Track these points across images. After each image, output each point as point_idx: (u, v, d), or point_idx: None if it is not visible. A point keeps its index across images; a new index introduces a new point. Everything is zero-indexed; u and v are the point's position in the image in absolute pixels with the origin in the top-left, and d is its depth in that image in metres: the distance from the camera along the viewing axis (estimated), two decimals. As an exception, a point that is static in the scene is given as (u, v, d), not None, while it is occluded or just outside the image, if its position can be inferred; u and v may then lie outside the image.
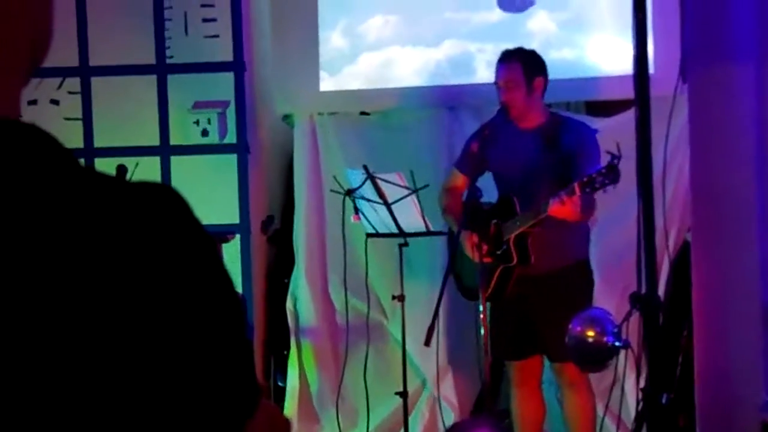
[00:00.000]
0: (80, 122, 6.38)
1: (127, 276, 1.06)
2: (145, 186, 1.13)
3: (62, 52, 6.26)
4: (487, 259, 5.00)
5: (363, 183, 5.54)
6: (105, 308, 1.04)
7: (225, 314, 1.14)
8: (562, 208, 4.73)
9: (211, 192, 6.22)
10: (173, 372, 1.07)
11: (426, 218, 5.52)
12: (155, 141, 6.38)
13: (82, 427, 1.04)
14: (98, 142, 6.38)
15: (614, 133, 5.19)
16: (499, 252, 5.10)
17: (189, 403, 1.09)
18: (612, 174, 4.62)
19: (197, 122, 6.41)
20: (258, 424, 1.19)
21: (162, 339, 1.07)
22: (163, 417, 1.07)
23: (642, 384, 4.16)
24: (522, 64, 5.17)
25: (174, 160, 6.37)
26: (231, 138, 6.40)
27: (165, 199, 1.13)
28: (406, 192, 5.45)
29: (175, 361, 1.07)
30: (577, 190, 4.67)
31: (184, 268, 1.10)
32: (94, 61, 6.38)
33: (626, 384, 5.27)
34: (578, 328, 4.15)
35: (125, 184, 1.13)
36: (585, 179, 4.67)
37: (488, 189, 5.20)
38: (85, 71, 6.39)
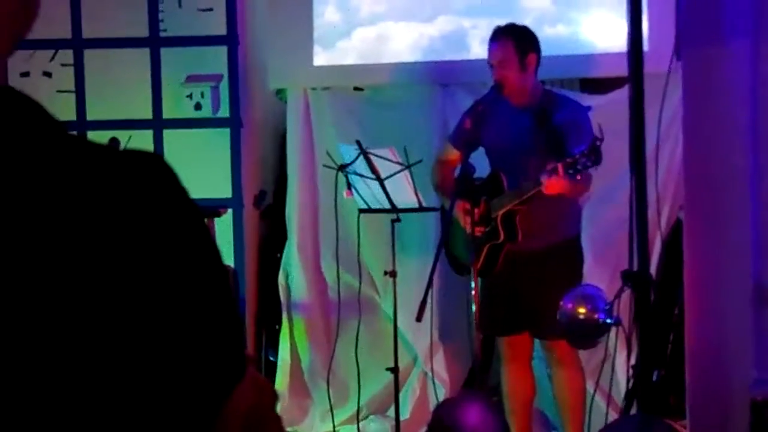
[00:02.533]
0: (73, 95, 6.37)
1: (114, 244, 1.05)
2: (133, 154, 1.13)
3: (55, 24, 6.24)
4: (478, 230, 5.00)
5: (356, 158, 5.53)
6: (91, 277, 1.04)
7: (211, 285, 1.13)
8: (553, 185, 4.73)
9: (203, 166, 6.22)
10: (158, 341, 1.07)
11: (419, 194, 5.51)
12: (148, 114, 6.37)
13: (69, 391, 1.04)
14: (91, 115, 6.37)
15: (608, 111, 5.20)
16: (487, 228, 5.10)
17: (174, 370, 1.09)
18: (594, 155, 4.63)
19: (190, 96, 6.40)
20: (244, 393, 1.19)
21: (148, 308, 1.06)
22: (147, 384, 1.07)
23: (633, 361, 4.17)
24: (514, 41, 5.15)
25: (167, 133, 6.37)
26: (224, 112, 6.39)
27: (153, 168, 1.13)
28: (398, 167, 5.44)
29: (160, 330, 1.07)
30: (560, 170, 4.67)
31: (171, 238, 1.09)
32: (87, 33, 6.36)
33: (617, 361, 5.27)
34: (570, 305, 4.16)
35: (114, 153, 1.12)
36: (569, 161, 4.67)
37: (481, 164, 5.19)
38: (78, 43, 6.37)
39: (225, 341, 1.15)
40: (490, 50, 5.20)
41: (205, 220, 5.78)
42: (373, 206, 5.71)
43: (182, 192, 1.14)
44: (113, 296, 1.05)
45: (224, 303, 1.15)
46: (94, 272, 1.04)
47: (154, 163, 1.13)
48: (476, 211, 5.00)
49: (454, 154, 5.37)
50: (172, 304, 1.08)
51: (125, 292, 1.05)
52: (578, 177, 4.72)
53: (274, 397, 1.34)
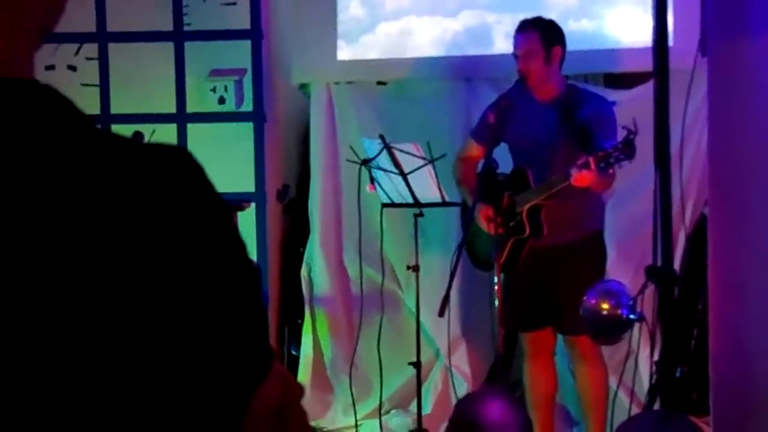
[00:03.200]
0: (97, 88, 6.39)
1: (141, 239, 1.06)
2: (160, 148, 1.13)
3: (80, 17, 6.26)
4: (501, 231, 4.99)
5: (379, 153, 5.53)
6: (119, 272, 1.04)
7: (237, 279, 1.14)
8: (583, 178, 4.72)
9: (227, 160, 6.22)
10: (185, 336, 1.08)
11: (442, 189, 5.51)
12: (172, 108, 6.38)
13: (97, 386, 1.04)
14: (115, 109, 6.39)
15: (633, 106, 5.19)
16: (512, 224, 5.10)
17: (201, 366, 1.09)
18: (628, 149, 4.61)
19: (214, 90, 6.41)
20: (271, 388, 1.19)
21: (174, 303, 1.07)
22: (174, 380, 1.07)
23: (656, 357, 4.16)
24: (540, 33, 5.15)
25: (190, 127, 6.38)
26: (248, 106, 6.40)
27: (180, 162, 1.13)
28: (422, 162, 5.43)
29: (187, 325, 1.08)
30: (592, 164, 4.66)
31: (198, 232, 1.10)
32: (111, 27, 6.38)
33: (640, 357, 5.26)
34: (593, 301, 4.15)
35: (141, 147, 1.12)
36: (600, 154, 4.65)
37: (504, 160, 5.18)
38: (102, 37, 6.39)
39: (252, 336, 1.16)
40: (516, 41, 5.19)
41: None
42: (396, 201, 5.71)
43: (209, 186, 1.14)
44: (140, 291, 1.05)
45: (250, 298, 1.15)
46: (122, 267, 1.05)
47: (182, 157, 1.14)
48: (500, 207, 5.00)
49: (476, 149, 5.36)
50: (198, 299, 1.09)
51: (152, 287, 1.06)
52: (610, 171, 4.70)
53: (300, 391, 1.34)
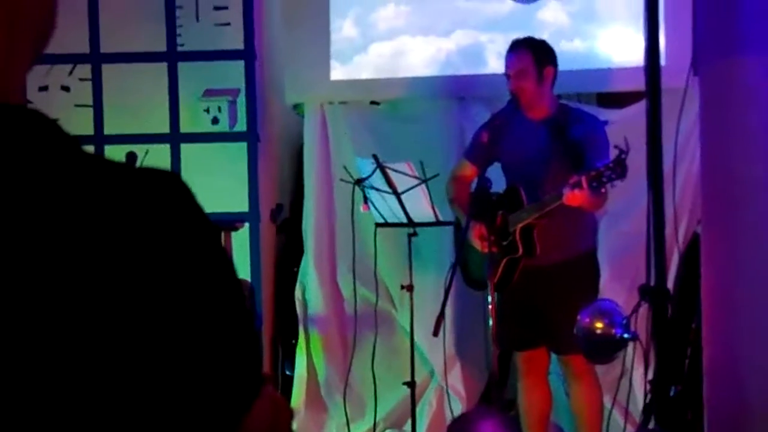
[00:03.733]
0: (91, 109, 6.39)
1: (129, 264, 1.05)
2: (149, 173, 1.13)
3: (73, 38, 6.26)
4: (493, 250, 4.99)
5: (373, 172, 5.53)
6: (106, 296, 1.04)
7: (226, 302, 1.13)
8: (575, 197, 4.72)
9: (220, 180, 6.22)
10: (174, 360, 1.07)
11: (435, 208, 5.51)
12: (165, 128, 6.38)
13: (82, 410, 1.04)
14: (108, 129, 6.38)
15: (625, 125, 5.20)
16: (505, 243, 5.10)
17: (190, 390, 1.09)
18: (620, 169, 4.62)
19: (207, 110, 6.41)
20: (261, 412, 1.19)
21: (163, 327, 1.06)
22: (163, 405, 1.07)
23: (650, 376, 4.16)
24: (532, 53, 5.16)
25: (184, 147, 6.38)
26: (241, 126, 6.40)
27: (169, 186, 1.13)
28: (415, 182, 5.44)
29: (176, 349, 1.07)
30: (584, 183, 4.66)
31: (186, 256, 1.09)
32: (105, 48, 6.38)
33: (634, 376, 5.27)
34: (587, 320, 4.15)
35: (129, 171, 1.12)
36: (593, 173, 4.66)
37: (496, 179, 5.19)
38: (96, 58, 6.39)
39: (242, 359, 1.15)
40: (508, 61, 5.21)
41: (222, 234, 5.80)
42: (389, 220, 5.71)
43: (198, 210, 1.14)
44: (129, 315, 1.05)
45: (240, 321, 1.15)
46: (110, 292, 1.04)
47: (171, 181, 1.13)
48: (494, 226, 5.00)
49: (469, 169, 5.37)
50: (187, 323, 1.08)
51: (141, 311, 1.05)
52: (602, 190, 4.71)
53: (291, 415, 1.34)
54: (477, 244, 5.10)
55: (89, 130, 6.31)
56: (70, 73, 6.40)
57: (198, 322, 1.09)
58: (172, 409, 1.07)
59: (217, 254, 1.14)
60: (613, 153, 4.69)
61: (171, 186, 1.13)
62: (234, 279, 1.16)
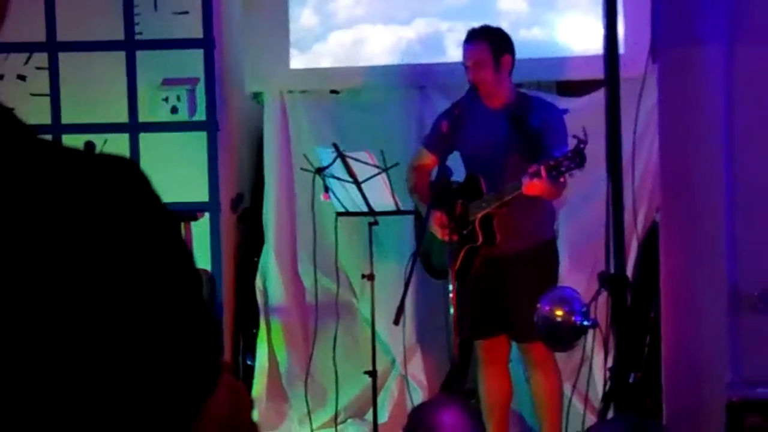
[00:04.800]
0: (47, 98, 6.34)
1: (85, 250, 1.04)
2: (106, 159, 1.12)
3: (29, 26, 6.21)
4: (455, 238, 5.00)
5: (333, 161, 5.52)
6: (61, 285, 1.03)
7: (184, 290, 1.13)
8: (534, 186, 4.74)
9: (180, 170, 6.20)
10: (131, 349, 1.06)
11: (396, 197, 5.51)
12: (124, 118, 6.34)
13: (39, 400, 1.03)
14: (66, 119, 6.34)
15: (585, 113, 5.22)
16: (465, 232, 5.10)
17: (148, 378, 1.08)
18: (578, 158, 4.64)
19: (166, 99, 6.38)
20: (220, 399, 1.18)
21: (120, 315, 1.06)
22: (121, 392, 1.06)
23: (610, 363, 4.18)
24: (489, 43, 5.16)
25: (143, 137, 6.34)
26: (200, 115, 6.37)
27: (126, 173, 1.12)
28: (376, 171, 5.44)
29: (133, 338, 1.06)
30: (543, 172, 4.68)
31: (143, 243, 1.09)
32: (61, 36, 6.33)
33: (594, 363, 5.28)
34: (547, 308, 4.15)
35: (86, 157, 1.11)
36: (551, 162, 4.68)
37: (456, 168, 5.19)
38: (52, 47, 6.33)
39: (199, 348, 1.15)
40: (465, 51, 5.21)
41: (182, 224, 5.78)
42: (350, 209, 5.70)
43: (155, 197, 1.13)
44: (84, 303, 1.04)
45: (198, 309, 1.15)
46: (65, 280, 1.03)
47: (127, 167, 1.12)
48: (454, 215, 5.00)
49: (428, 158, 5.37)
50: (144, 312, 1.07)
51: (96, 299, 1.04)
52: (561, 179, 4.73)
53: (250, 403, 1.33)
54: (437, 231, 5.11)
55: (46, 120, 6.26)
56: (27, 61, 6.35)
57: (155, 313, 1.08)
58: (129, 398, 1.07)
59: (174, 242, 1.13)
60: (571, 142, 4.70)
61: (128, 173, 1.12)
62: (191, 267, 1.15)
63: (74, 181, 1.07)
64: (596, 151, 4.34)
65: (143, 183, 1.12)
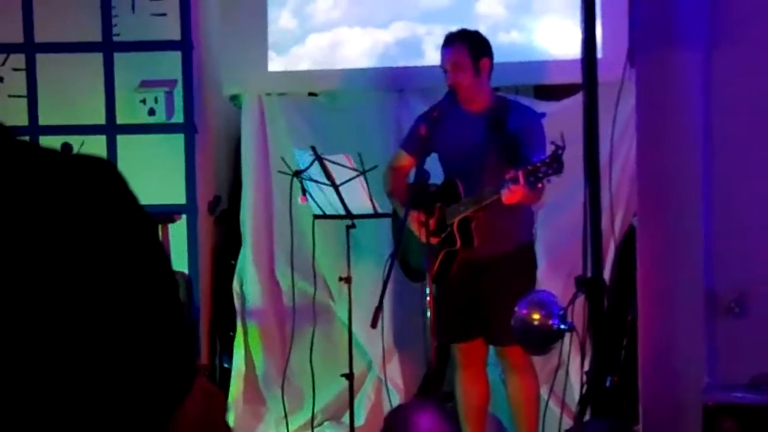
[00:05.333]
0: (25, 99, 6.32)
1: (61, 251, 1.04)
2: (82, 159, 1.12)
3: (7, 28, 6.19)
4: (433, 239, 4.99)
5: (311, 164, 5.52)
6: (35, 284, 1.02)
7: (158, 292, 1.12)
8: (512, 194, 4.74)
9: (157, 172, 6.19)
10: (105, 351, 1.06)
11: (374, 200, 5.51)
12: (101, 120, 6.32)
13: (14, 401, 1.02)
14: (43, 120, 6.32)
15: (562, 117, 5.22)
16: (443, 235, 5.10)
17: (122, 380, 1.07)
18: (556, 164, 4.63)
19: (144, 101, 6.36)
20: (194, 402, 1.18)
21: (94, 316, 1.05)
22: (95, 394, 1.06)
23: (586, 367, 4.18)
24: (468, 46, 5.17)
25: (120, 139, 6.32)
26: (178, 117, 6.36)
27: (102, 173, 1.11)
28: (353, 173, 5.43)
29: (107, 339, 1.06)
30: (521, 178, 4.68)
31: (119, 244, 1.08)
32: (39, 37, 6.31)
33: (571, 367, 5.30)
34: (524, 311, 4.16)
35: (62, 158, 1.11)
36: (529, 168, 4.68)
37: (434, 171, 5.19)
38: (30, 48, 6.31)
39: (174, 350, 1.14)
40: (444, 55, 5.21)
41: (159, 226, 5.76)
42: (327, 212, 5.70)
43: (131, 198, 1.12)
44: (58, 303, 1.03)
45: (172, 311, 1.14)
46: (39, 279, 1.03)
47: (103, 168, 1.12)
48: (431, 218, 5.01)
49: (406, 160, 5.37)
50: (118, 313, 1.07)
51: (70, 300, 1.04)
52: (539, 185, 4.73)
53: (225, 405, 1.33)
54: (416, 229, 5.09)
55: (23, 121, 6.24)
56: (4, 63, 6.32)
57: (128, 313, 1.08)
58: (103, 399, 1.06)
59: (150, 243, 1.13)
60: (549, 148, 4.70)
61: (104, 173, 1.11)
62: (167, 268, 1.15)
63: (51, 182, 1.07)
64: (574, 155, 4.35)
65: (120, 184, 1.12)
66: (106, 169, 1.12)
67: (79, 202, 1.07)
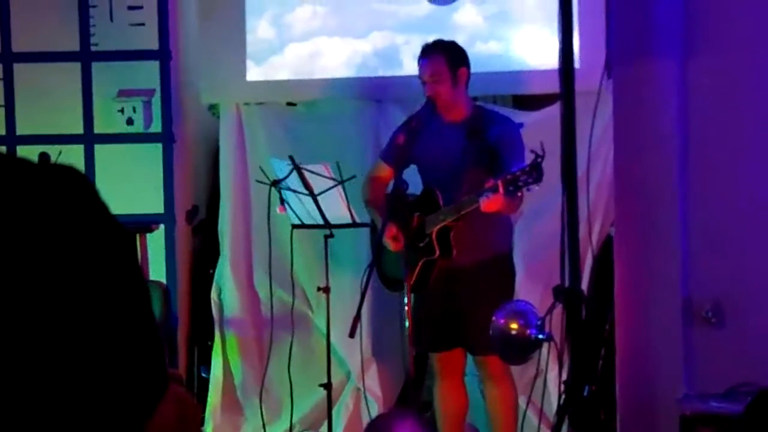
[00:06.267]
0: (2, 109, 6.31)
1: (29, 260, 1.03)
2: (51, 168, 1.11)
3: (-16, 37, 6.17)
4: (402, 246, 5.00)
5: (289, 174, 5.52)
6: (3, 294, 1.02)
7: (129, 300, 1.12)
8: (491, 203, 4.74)
9: (135, 181, 6.19)
10: (75, 360, 1.05)
11: (352, 210, 5.51)
12: (79, 129, 6.32)
13: None
14: (21, 130, 6.31)
15: (540, 127, 5.22)
16: (421, 245, 5.11)
17: (93, 389, 1.07)
18: (536, 173, 4.63)
19: (122, 111, 6.36)
20: (167, 410, 1.17)
21: (63, 325, 1.05)
22: (66, 403, 1.05)
23: (564, 377, 4.19)
24: (445, 56, 5.17)
25: (98, 148, 6.32)
26: (156, 127, 6.35)
27: (71, 182, 1.11)
28: (332, 183, 5.43)
29: (77, 349, 1.05)
30: (500, 187, 4.68)
31: (88, 254, 1.08)
32: (16, 47, 6.30)
33: (549, 377, 5.30)
34: (502, 321, 4.16)
35: (31, 167, 1.10)
36: (509, 177, 4.68)
37: (413, 181, 5.20)
38: (7, 57, 6.30)
39: (145, 358, 1.14)
40: (422, 66, 5.21)
41: (137, 235, 5.75)
42: (306, 222, 5.70)
43: (102, 207, 1.12)
44: (27, 313, 1.03)
45: (143, 321, 1.14)
46: (7, 289, 1.02)
47: (73, 177, 1.11)
48: (410, 227, 5.01)
49: (385, 170, 5.37)
50: (88, 323, 1.07)
51: (39, 309, 1.03)
52: (519, 194, 4.73)
53: (199, 414, 1.33)
54: (389, 244, 5.10)
55: (1, 131, 6.23)
56: (-19, 72, 6.31)
57: (99, 322, 1.07)
58: (74, 408, 1.06)
59: (120, 252, 1.13)
60: (529, 157, 4.71)
61: (74, 183, 1.11)
62: (137, 277, 1.14)
63: (20, 192, 1.06)
64: (552, 164, 4.36)
65: (90, 193, 1.11)
66: (76, 178, 1.11)
67: (48, 212, 1.07)
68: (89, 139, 6.31)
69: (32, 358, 1.03)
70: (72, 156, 6.11)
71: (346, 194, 5.46)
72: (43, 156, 5.36)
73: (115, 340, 1.09)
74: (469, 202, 4.90)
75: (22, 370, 1.03)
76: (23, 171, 1.09)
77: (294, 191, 5.56)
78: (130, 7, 6.30)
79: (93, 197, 1.11)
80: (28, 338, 1.03)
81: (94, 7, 6.29)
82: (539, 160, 4.60)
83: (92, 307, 1.07)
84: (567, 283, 3.93)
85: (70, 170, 1.12)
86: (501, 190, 4.68)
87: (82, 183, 1.12)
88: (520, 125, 5.27)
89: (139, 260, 5.70)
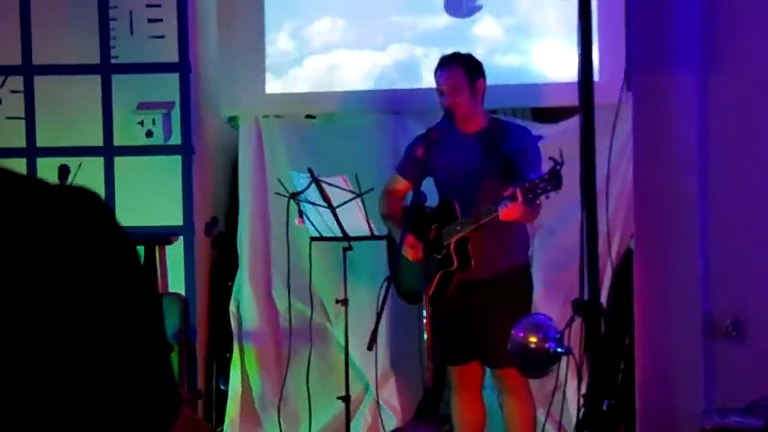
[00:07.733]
0: (23, 121, 6.32)
1: (41, 280, 1.03)
2: (64, 189, 1.11)
3: (5, 50, 6.20)
4: (419, 256, 4.99)
5: (308, 186, 5.52)
6: (16, 313, 1.02)
7: (141, 322, 1.11)
8: (510, 212, 4.74)
9: (155, 193, 6.20)
10: (87, 381, 1.05)
11: (370, 222, 5.51)
12: (99, 141, 6.33)
13: None
14: (41, 142, 6.32)
15: (559, 140, 5.21)
16: (439, 256, 5.10)
17: (106, 412, 1.07)
18: (554, 180, 4.63)
19: (141, 123, 6.37)
20: None
21: (74, 346, 1.04)
22: (77, 425, 1.05)
23: (583, 390, 4.18)
24: (464, 68, 5.18)
25: (118, 160, 6.33)
26: (176, 139, 6.36)
27: (84, 202, 1.10)
28: (350, 196, 5.43)
29: (89, 370, 1.05)
30: (519, 195, 4.68)
31: (100, 275, 1.07)
32: (37, 59, 6.32)
33: (568, 390, 5.28)
34: (521, 334, 4.15)
35: (45, 187, 1.10)
36: (527, 185, 4.67)
37: (430, 194, 5.20)
38: (28, 70, 6.32)
39: (157, 381, 1.13)
40: (440, 77, 5.21)
41: (156, 247, 5.75)
42: (324, 234, 5.70)
43: (115, 227, 1.12)
44: (38, 334, 1.03)
45: (155, 343, 1.13)
46: (21, 308, 1.02)
47: (85, 197, 1.11)
48: (428, 239, 5.01)
49: (401, 183, 5.37)
50: (98, 345, 1.06)
51: (52, 330, 1.03)
52: (537, 202, 4.72)
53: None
54: (408, 253, 5.09)
55: (21, 143, 6.25)
56: (2, 84, 6.33)
57: (109, 344, 1.07)
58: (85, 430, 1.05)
59: (132, 272, 1.12)
60: (547, 165, 4.70)
61: (87, 202, 1.11)
62: (150, 296, 1.14)
63: (33, 212, 1.06)
64: (571, 177, 4.35)
65: (104, 214, 1.11)
66: (89, 199, 1.11)
67: (61, 234, 1.06)
68: (109, 151, 6.33)
69: (42, 381, 1.03)
70: (91, 168, 6.12)
71: (364, 207, 5.46)
72: (63, 168, 5.37)
73: (126, 363, 1.09)
74: (487, 212, 4.89)
75: (31, 393, 1.02)
76: (37, 191, 1.09)
77: (313, 203, 5.56)
78: (151, 20, 6.32)
79: (107, 219, 1.11)
80: (37, 361, 1.03)
81: (114, 20, 6.30)
82: (558, 167, 4.60)
83: (102, 325, 1.07)
84: (586, 297, 3.93)
85: (83, 191, 1.12)
86: (520, 198, 4.67)
87: (96, 204, 1.11)
88: (539, 138, 5.27)
89: (158, 272, 5.71)
